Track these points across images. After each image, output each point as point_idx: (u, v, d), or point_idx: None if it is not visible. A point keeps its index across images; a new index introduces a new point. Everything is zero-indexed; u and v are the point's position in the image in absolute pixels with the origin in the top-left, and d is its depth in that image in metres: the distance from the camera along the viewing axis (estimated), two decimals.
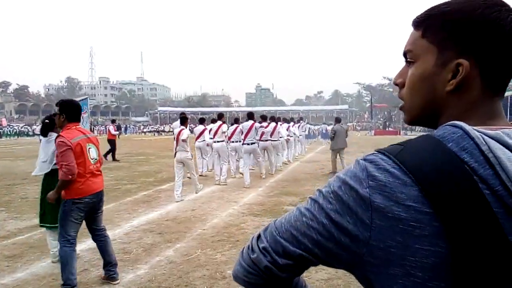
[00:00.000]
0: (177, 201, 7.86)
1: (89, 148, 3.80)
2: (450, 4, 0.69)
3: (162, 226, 6.03)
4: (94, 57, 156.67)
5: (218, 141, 10.32)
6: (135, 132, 61.60)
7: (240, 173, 10.96)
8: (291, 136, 14.94)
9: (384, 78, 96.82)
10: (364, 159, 0.66)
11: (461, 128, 0.63)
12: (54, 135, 4.47)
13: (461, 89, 0.68)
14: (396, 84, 0.79)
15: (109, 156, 16.05)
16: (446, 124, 0.66)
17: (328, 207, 0.66)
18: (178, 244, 5.17)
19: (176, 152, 8.29)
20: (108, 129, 17.37)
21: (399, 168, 0.61)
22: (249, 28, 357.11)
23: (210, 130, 10.60)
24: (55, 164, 4.21)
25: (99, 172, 3.94)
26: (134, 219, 6.50)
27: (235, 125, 10.55)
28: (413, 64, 0.73)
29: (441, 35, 0.69)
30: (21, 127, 57.82)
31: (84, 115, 6.19)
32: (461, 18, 0.67)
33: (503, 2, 0.68)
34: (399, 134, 47.81)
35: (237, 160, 11.27)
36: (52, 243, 4.49)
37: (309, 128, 22.73)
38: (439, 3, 0.72)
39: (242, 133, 10.21)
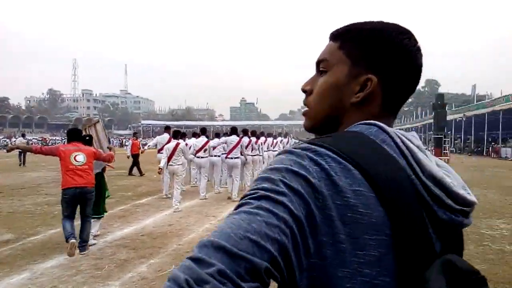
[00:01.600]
0: (174, 212, 8.17)
1: (76, 155, 5.31)
2: (369, 23, 0.74)
3: (136, 242, 5.93)
4: (77, 69, 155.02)
5: (202, 157, 10.26)
6: (117, 145, 60.73)
7: (223, 187, 10.98)
8: (275, 151, 15.07)
9: None
10: (297, 148, 0.62)
11: (375, 125, 0.67)
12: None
13: (364, 103, 0.71)
14: (304, 91, 0.80)
15: (135, 171, 15.68)
16: (358, 123, 0.69)
17: (283, 199, 0.54)
18: (152, 260, 5.09)
19: (168, 165, 8.78)
20: (132, 144, 16.53)
21: (338, 153, 0.60)
22: (233, 43, 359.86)
23: (189, 146, 10.52)
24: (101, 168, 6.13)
25: (83, 173, 5.28)
26: (108, 234, 6.39)
27: (217, 140, 10.58)
28: (325, 73, 0.75)
29: (357, 49, 0.72)
30: (0, 140, 56.53)
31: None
32: (377, 38, 0.71)
33: (410, 31, 0.74)
34: None
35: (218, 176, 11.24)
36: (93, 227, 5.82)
37: (295, 142, 22.90)
38: (358, 21, 0.76)
39: (225, 147, 10.25)
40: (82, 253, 5.26)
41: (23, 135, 24.78)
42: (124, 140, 67.72)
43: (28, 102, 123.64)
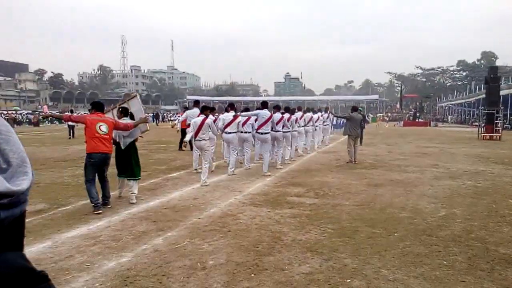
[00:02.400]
0: (202, 186, 8.28)
1: (100, 125, 6.15)
2: None
3: (158, 214, 6.03)
4: (126, 46, 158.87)
5: (230, 132, 10.12)
6: (163, 120, 62.19)
7: (259, 158, 10.90)
8: (316, 126, 15.50)
9: (417, 67, 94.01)
10: None
11: None
12: (126, 119, 6.91)
13: None
14: None
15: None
16: None
17: None
18: (169, 232, 5.15)
19: (195, 140, 8.68)
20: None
21: None
22: (277, 17, 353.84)
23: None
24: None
25: (106, 141, 6.18)
26: (134, 206, 6.55)
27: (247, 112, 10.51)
28: None
29: None
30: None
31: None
32: None
33: None
34: (429, 125, 46.56)
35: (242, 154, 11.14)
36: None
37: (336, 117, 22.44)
38: None
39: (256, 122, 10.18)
40: (108, 206, 6.36)
41: (71, 111, 26.07)
42: (167, 115, 69.17)
43: (81, 78, 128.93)
